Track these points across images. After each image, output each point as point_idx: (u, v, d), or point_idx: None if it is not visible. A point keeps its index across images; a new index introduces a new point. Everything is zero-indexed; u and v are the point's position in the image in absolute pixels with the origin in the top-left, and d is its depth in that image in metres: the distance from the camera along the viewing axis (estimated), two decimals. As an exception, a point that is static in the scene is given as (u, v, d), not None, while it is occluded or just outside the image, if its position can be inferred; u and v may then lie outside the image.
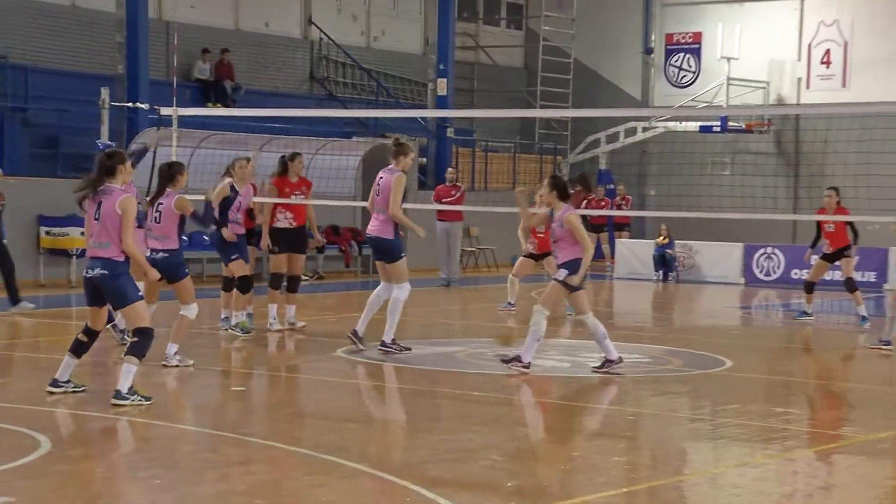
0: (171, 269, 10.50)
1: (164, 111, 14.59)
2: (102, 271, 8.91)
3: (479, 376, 10.84)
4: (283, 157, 14.01)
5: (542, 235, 16.13)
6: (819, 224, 15.76)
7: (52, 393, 9.23)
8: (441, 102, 26.27)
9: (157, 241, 10.75)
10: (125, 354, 9.06)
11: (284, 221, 13.47)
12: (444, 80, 26.61)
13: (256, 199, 13.55)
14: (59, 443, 7.63)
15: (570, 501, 6.41)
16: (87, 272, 9.01)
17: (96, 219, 8.94)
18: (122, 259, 8.92)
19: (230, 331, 13.09)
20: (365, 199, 22.14)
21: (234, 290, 13.16)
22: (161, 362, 10.64)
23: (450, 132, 27.05)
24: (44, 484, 6.59)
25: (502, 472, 7.17)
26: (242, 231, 13.24)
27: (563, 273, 10.67)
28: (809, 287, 16.12)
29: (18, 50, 22.24)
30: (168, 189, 10.74)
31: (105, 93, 14.79)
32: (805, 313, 16.21)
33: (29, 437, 7.70)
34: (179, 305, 10.73)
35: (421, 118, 26.84)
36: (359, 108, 26.37)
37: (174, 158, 12.89)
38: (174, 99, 14.34)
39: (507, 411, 9.42)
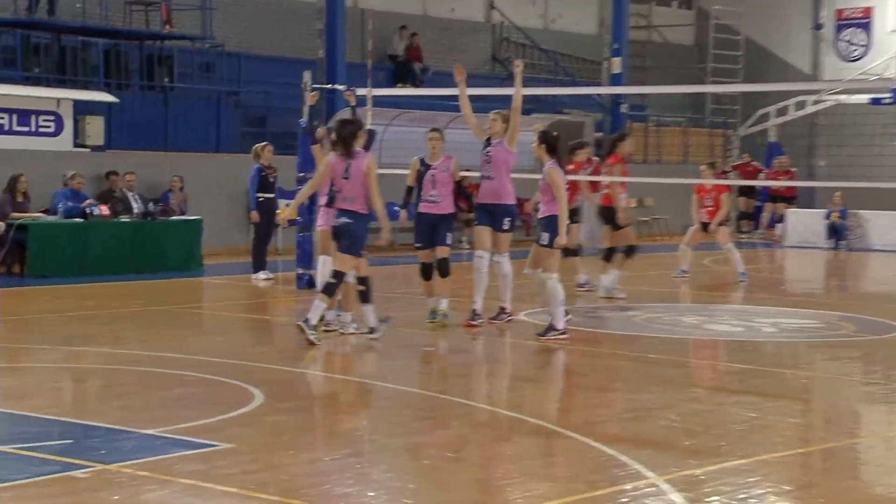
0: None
1: (360, 91, 14.74)
2: (347, 220, 9.61)
3: (655, 339, 10.66)
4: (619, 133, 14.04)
5: (710, 207, 15.80)
6: None
7: (301, 330, 9.65)
8: (615, 80, 25.85)
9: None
10: (321, 292, 9.72)
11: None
12: (619, 58, 26.17)
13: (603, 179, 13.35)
14: (272, 395, 7.83)
15: (747, 461, 6.22)
16: (334, 222, 9.79)
17: (345, 177, 9.64)
18: (365, 212, 9.68)
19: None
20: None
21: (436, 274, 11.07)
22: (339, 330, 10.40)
23: (624, 108, 26.61)
24: (259, 432, 6.77)
25: (679, 431, 7.02)
26: (445, 211, 11.08)
27: (546, 238, 10.10)
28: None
29: (233, 39, 22.94)
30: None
31: (307, 76, 15.03)
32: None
33: (244, 390, 7.93)
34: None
35: (596, 95, 26.50)
36: (537, 86, 26.21)
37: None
38: (368, 80, 14.49)
39: (683, 373, 9.22)
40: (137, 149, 19.13)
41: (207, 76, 21.63)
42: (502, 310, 11.18)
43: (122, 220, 16.15)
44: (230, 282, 15.45)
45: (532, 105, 25.83)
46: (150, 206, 16.59)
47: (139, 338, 10.54)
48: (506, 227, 11.06)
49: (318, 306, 9.69)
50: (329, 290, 9.74)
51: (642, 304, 13.29)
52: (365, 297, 10.03)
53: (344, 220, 9.69)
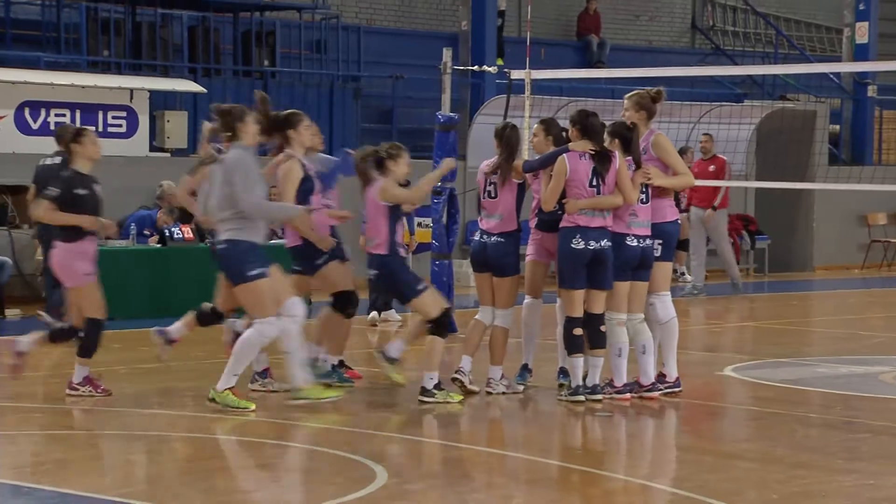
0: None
1: (516, 74, 14.89)
2: (499, 239, 10.38)
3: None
4: None
5: None
6: None
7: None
8: (861, 52, 25.44)
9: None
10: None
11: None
12: (866, 23, 25.74)
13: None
14: (397, 473, 7.99)
15: None
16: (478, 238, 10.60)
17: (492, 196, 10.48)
18: (513, 229, 10.42)
19: None
20: (760, 177, 22.10)
21: None
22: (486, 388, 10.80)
23: (871, 91, 26.16)
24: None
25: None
26: None
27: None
28: None
29: (352, 8, 23.39)
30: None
31: (447, 55, 15.21)
32: None
33: (362, 466, 8.11)
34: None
35: (832, 74, 26.12)
36: (753, 63, 26.01)
37: (525, 129, 13.05)
38: (527, 60, 14.62)
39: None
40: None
41: (318, 57, 22.12)
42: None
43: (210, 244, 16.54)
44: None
45: (746, 90, 25.74)
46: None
47: (191, 392, 10.78)
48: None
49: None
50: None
51: (893, 357, 13.08)
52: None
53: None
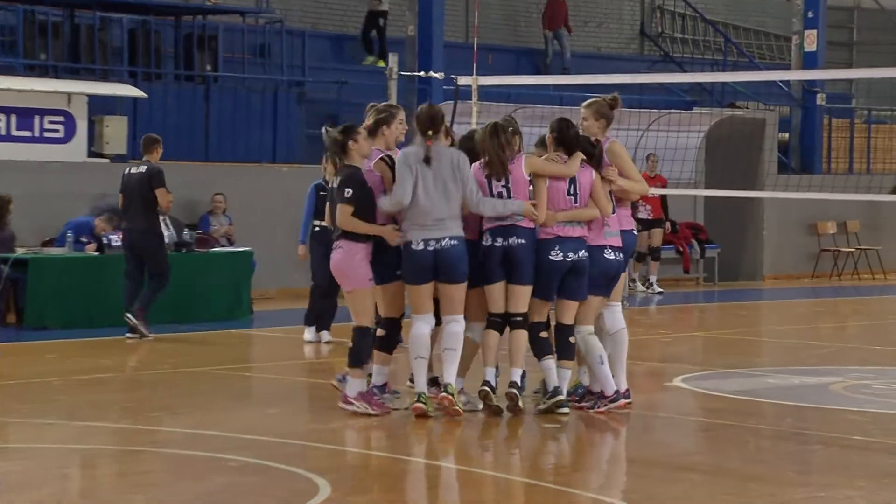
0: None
1: (463, 80, 14.90)
2: (520, 241, 9.99)
3: (862, 415, 10.51)
4: None
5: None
6: None
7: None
8: (809, 60, 25.61)
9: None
10: None
11: (644, 212, 13.65)
12: (814, 31, 25.91)
13: None
14: (341, 486, 7.89)
15: None
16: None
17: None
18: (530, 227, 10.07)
19: None
20: (709, 185, 22.15)
21: None
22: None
23: (820, 99, 26.32)
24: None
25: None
26: None
27: None
28: None
29: (296, 12, 23.27)
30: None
31: (393, 60, 15.21)
32: None
33: (305, 480, 8.00)
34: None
35: (781, 82, 26.27)
36: (702, 70, 26.10)
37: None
38: (474, 66, 14.61)
39: (899, 463, 9.06)
40: (170, 158, 19.47)
41: (262, 62, 22.04)
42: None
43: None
44: (288, 335, 15.64)
45: (695, 97, 25.83)
46: (185, 234, 16.90)
47: (168, 409, 10.71)
48: None
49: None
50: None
51: (843, 367, 13.10)
52: None
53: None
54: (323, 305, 14.31)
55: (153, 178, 14.69)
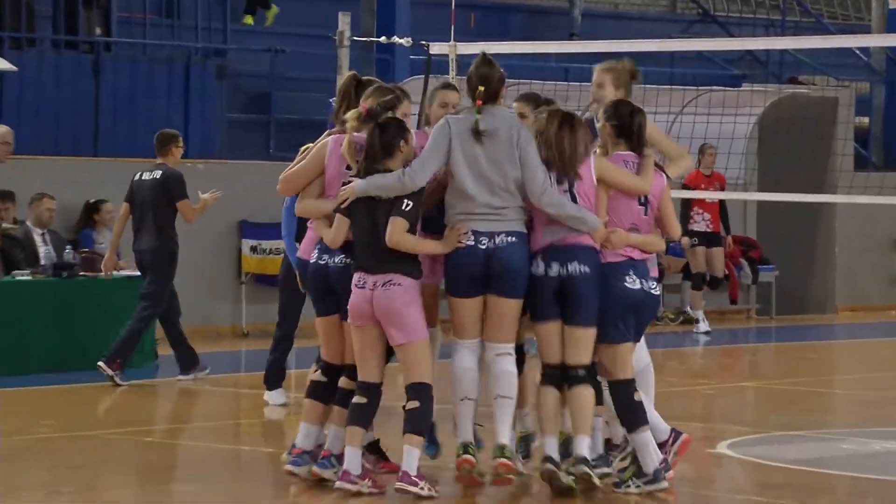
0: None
1: (436, 48, 14.91)
2: (583, 268, 9.73)
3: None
4: None
5: None
6: None
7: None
8: (894, 22, 25.78)
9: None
10: None
11: (702, 223, 13.96)
12: (902, -14, 26.17)
13: None
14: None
15: None
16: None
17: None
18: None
19: None
20: (763, 186, 22.22)
21: None
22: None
23: (908, 73, 26.57)
24: None
25: None
26: None
27: None
28: None
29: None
30: None
31: (344, 21, 15.21)
32: None
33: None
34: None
35: (859, 49, 26.42)
36: (754, 34, 26.23)
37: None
38: (452, 29, 14.64)
39: None
40: (47, 153, 19.45)
41: (169, 23, 22.05)
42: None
43: (20, 278, 16.46)
44: (210, 388, 15.64)
45: (744, 70, 25.95)
46: (68, 252, 16.83)
47: (46, 488, 10.62)
48: None
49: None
50: None
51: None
52: None
53: None
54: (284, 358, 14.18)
55: (172, 188, 14.87)
